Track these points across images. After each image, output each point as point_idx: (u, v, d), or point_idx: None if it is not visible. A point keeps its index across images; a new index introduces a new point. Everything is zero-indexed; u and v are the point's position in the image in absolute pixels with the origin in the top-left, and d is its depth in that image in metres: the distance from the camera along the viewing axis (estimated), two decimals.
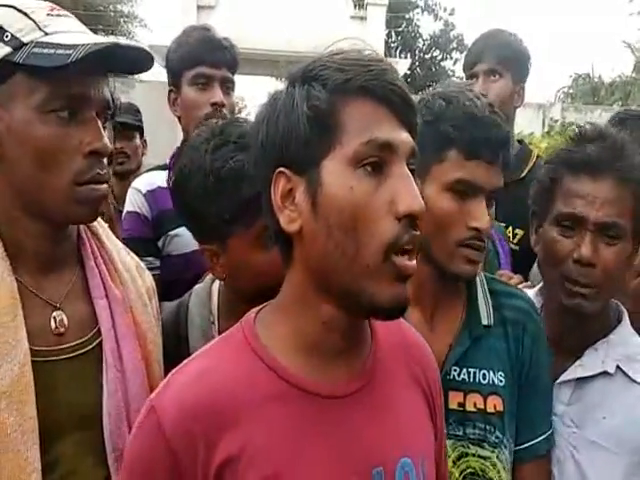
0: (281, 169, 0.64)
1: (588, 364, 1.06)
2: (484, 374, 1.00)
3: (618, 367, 1.05)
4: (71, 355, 0.83)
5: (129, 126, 2.41)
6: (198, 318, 1.08)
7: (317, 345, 0.67)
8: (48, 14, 0.81)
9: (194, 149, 1.00)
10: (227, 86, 1.57)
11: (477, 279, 1.05)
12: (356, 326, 0.69)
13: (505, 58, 1.73)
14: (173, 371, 0.68)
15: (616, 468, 1.02)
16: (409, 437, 0.72)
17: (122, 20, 15.17)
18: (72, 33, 0.80)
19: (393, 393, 0.72)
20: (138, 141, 2.47)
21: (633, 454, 1.02)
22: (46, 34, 0.78)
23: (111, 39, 0.81)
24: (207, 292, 1.11)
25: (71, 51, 0.75)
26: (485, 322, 1.01)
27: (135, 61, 0.85)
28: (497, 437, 0.98)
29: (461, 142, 0.93)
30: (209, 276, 1.14)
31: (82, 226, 0.92)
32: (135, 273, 0.97)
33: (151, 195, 1.55)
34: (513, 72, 1.74)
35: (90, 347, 0.85)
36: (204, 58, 1.53)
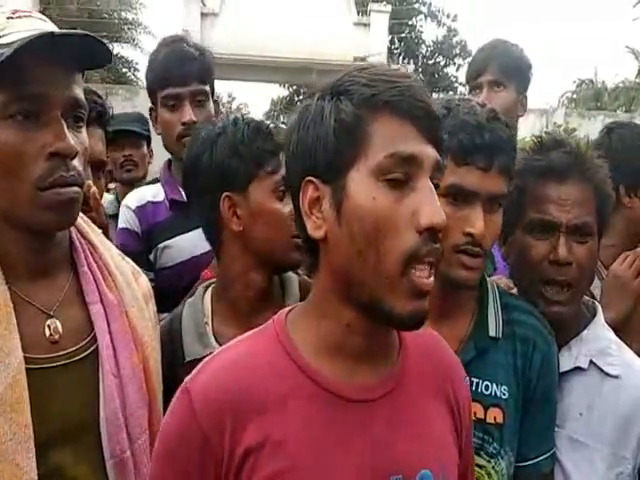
0: (310, 178, 0.67)
1: (562, 362, 1.08)
2: (487, 385, 1.00)
3: (592, 362, 1.07)
4: (67, 362, 0.82)
5: (138, 135, 2.46)
6: (192, 324, 1.11)
7: (341, 347, 0.69)
8: (8, 17, 0.79)
9: (208, 131, 1.12)
10: (198, 100, 1.56)
11: (489, 290, 1.05)
12: (380, 332, 0.70)
13: (508, 69, 1.75)
14: (207, 358, 0.71)
15: (597, 463, 1.03)
16: (431, 449, 0.72)
17: (126, 27, 15.30)
18: (22, 32, 0.76)
19: (419, 403, 0.73)
20: (145, 150, 2.51)
21: (612, 447, 1.04)
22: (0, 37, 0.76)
23: (49, 30, 0.77)
24: (200, 300, 1.14)
25: (5, 50, 0.72)
26: (492, 334, 1.01)
27: (94, 53, 0.82)
28: (494, 448, 0.98)
29: (452, 148, 0.94)
30: (201, 286, 1.18)
31: (74, 232, 0.91)
32: (130, 277, 0.96)
33: (140, 210, 1.58)
34: (516, 82, 1.76)
35: (86, 353, 0.84)
36: (171, 77, 1.53)
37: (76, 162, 0.81)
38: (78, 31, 0.78)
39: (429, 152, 0.65)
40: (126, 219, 1.59)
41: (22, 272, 0.83)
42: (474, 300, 1.04)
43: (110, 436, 0.82)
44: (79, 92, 0.82)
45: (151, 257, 1.55)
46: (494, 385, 0.99)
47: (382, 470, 0.67)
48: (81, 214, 0.95)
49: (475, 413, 0.98)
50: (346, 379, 0.68)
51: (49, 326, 0.82)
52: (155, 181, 1.67)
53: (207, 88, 1.59)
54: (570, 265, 1.04)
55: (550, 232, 1.05)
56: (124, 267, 0.97)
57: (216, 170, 1.08)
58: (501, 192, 0.96)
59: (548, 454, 1.03)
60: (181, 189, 1.55)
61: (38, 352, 0.80)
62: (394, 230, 0.63)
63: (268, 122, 1.15)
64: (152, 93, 1.60)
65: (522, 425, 1.01)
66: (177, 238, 1.53)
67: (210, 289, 1.16)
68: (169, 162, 1.66)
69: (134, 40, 15.58)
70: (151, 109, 1.63)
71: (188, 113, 1.53)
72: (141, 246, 1.55)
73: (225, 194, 1.07)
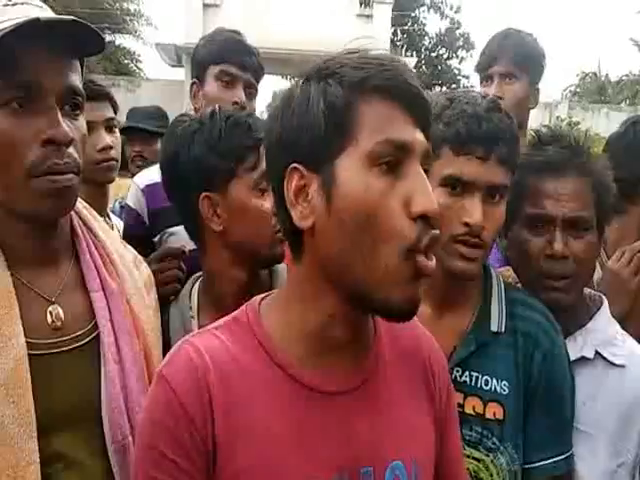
0: (295, 165, 0.64)
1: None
2: (486, 380, 0.98)
3: (597, 352, 1.07)
4: (68, 348, 0.83)
5: (148, 132, 2.54)
6: (179, 314, 1.11)
7: (319, 336, 0.67)
8: (5, 5, 0.79)
9: (184, 127, 1.09)
10: (250, 91, 1.58)
11: (494, 284, 1.04)
12: (362, 322, 0.69)
13: (521, 61, 1.71)
14: (180, 342, 0.69)
15: (600, 453, 1.03)
16: (404, 440, 0.71)
17: (128, 18, 15.23)
18: (15, 20, 0.75)
19: (393, 393, 0.72)
20: (157, 146, 2.53)
21: (614, 436, 1.03)
22: None
23: (34, 16, 0.76)
24: (187, 294, 1.14)
25: None
26: (494, 329, 1.00)
27: (87, 40, 0.81)
28: (493, 443, 0.97)
29: (450, 138, 0.94)
30: (191, 278, 1.18)
31: (76, 220, 0.91)
32: (131, 265, 0.96)
33: (149, 190, 1.55)
34: (529, 74, 1.72)
35: (87, 340, 0.85)
36: (232, 57, 1.55)
37: (71, 150, 0.80)
38: (66, 17, 0.77)
39: (419, 137, 0.64)
40: (133, 197, 1.57)
41: (24, 259, 0.83)
42: (478, 292, 1.03)
43: (111, 422, 0.83)
44: (75, 79, 0.82)
45: (155, 240, 1.53)
46: (494, 380, 0.98)
47: (352, 462, 0.66)
48: (82, 201, 0.96)
49: (474, 407, 0.97)
50: (320, 369, 0.67)
51: (51, 312, 0.83)
52: None
53: (257, 87, 1.61)
54: (567, 259, 1.04)
55: (546, 227, 1.05)
56: (126, 255, 0.97)
57: (194, 169, 1.04)
58: (500, 182, 0.95)
59: (559, 458, 0.99)
60: None
61: (40, 338, 0.81)
62: (388, 218, 0.61)
63: (245, 115, 1.11)
64: (203, 66, 1.58)
65: (526, 425, 0.98)
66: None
67: (198, 282, 1.15)
68: None
69: (136, 32, 15.52)
70: (193, 83, 1.62)
71: (241, 95, 1.53)
72: (142, 228, 1.53)
73: (204, 194, 1.04)
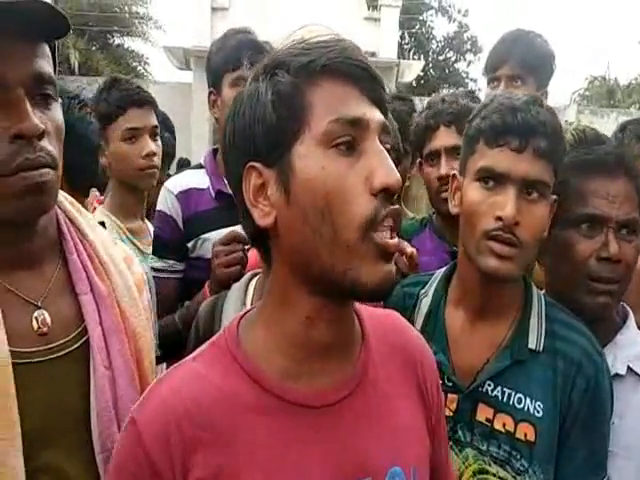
0: (251, 163, 0.63)
1: None
2: (520, 398, 0.94)
3: (629, 368, 1.04)
4: (56, 355, 0.79)
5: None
6: (232, 308, 1.10)
7: (300, 345, 0.65)
8: None
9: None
10: None
11: (534, 298, 0.99)
12: (341, 319, 0.66)
13: (529, 63, 1.69)
14: (156, 380, 0.67)
15: (629, 474, 0.99)
16: (400, 444, 0.69)
17: (137, 21, 15.30)
18: None
19: (385, 398, 0.69)
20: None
21: None
22: None
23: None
24: (244, 287, 1.13)
25: None
26: (532, 346, 0.95)
27: (51, 21, 0.75)
28: (522, 465, 0.92)
29: (485, 131, 0.93)
30: (249, 273, 1.17)
31: (62, 218, 0.87)
32: (122, 265, 0.92)
33: (184, 197, 1.55)
34: (536, 77, 1.70)
35: (76, 346, 0.82)
36: (245, 60, 1.53)
37: (44, 142, 0.75)
38: None
39: (374, 113, 0.62)
40: (166, 203, 1.56)
41: (6, 263, 0.79)
42: (516, 306, 0.99)
43: (101, 430, 0.80)
44: (44, 65, 0.76)
45: (189, 245, 1.54)
46: (527, 399, 0.93)
47: (350, 473, 0.63)
48: (69, 197, 0.92)
49: (504, 425, 0.93)
50: (307, 382, 0.64)
51: (37, 318, 0.79)
52: (199, 167, 1.63)
53: None
54: (620, 263, 1.00)
55: (598, 228, 1.01)
56: (115, 253, 0.93)
57: None
58: (537, 177, 0.91)
59: None
60: (226, 180, 1.55)
61: (25, 345, 0.77)
62: (348, 198, 0.59)
63: None
64: (218, 74, 1.57)
65: (561, 452, 0.93)
66: (219, 231, 1.49)
67: (255, 279, 1.14)
68: (214, 151, 1.63)
69: (144, 34, 15.58)
70: (211, 92, 1.61)
71: None
72: (177, 234, 1.54)
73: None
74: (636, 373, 1.03)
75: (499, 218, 0.90)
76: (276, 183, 0.62)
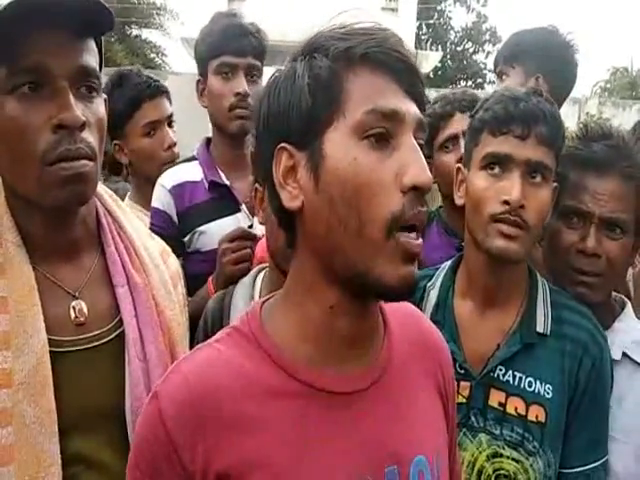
0: (283, 144, 0.62)
1: None
2: (530, 382, 0.97)
3: (624, 354, 1.06)
4: (92, 345, 0.80)
5: None
6: (242, 302, 1.10)
7: (325, 333, 0.64)
8: None
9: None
10: (252, 74, 1.54)
11: (539, 285, 1.03)
12: (365, 312, 0.65)
13: (511, 56, 1.73)
14: (181, 358, 0.66)
15: (627, 457, 1.01)
16: (423, 433, 0.69)
17: (155, 13, 15.36)
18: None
19: (407, 388, 0.69)
20: None
21: None
22: None
23: None
24: (252, 281, 1.14)
25: None
26: (540, 329, 0.99)
27: (96, 16, 0.76)
28: (534, 447, 0.96)
29: (489, 121, 0.96)
30: (256, 267, 1.17)
31: (102, 211, 0.88)
32: (158, 258, 0.93)
33: (177, 191, 1.53)
34: (522, 66, 1.71)
35: (111, 337, 0.82)
36: (228, 47, 1.51)
37: (86, 134, 0.76)
38: None
39: (410, 107, 0.60)
40: (160, 199, 1.54)
41: (47, 252, 0.81)
42: (522, 293, 1.02)
43: (135, 421, 0.79)
44: (89, 59, 0.78)
45: (185, 239, 1.52)
46: (538, 382, 0.97)
47: (375, 463, 0.63)
48: (109, 191, 0.94)
49: (516, 408, 0.97)
50: (331, 370, 0.63)
51: (74, 308, 0.80)
52: (192, 159, 1.60)
53: (260, 66, 1.56)
54: (598, 257, 1.03)
55: (582, 221, 1.05)
56: (152, 247, 0.93)
57: None
58: (540, 159, 0.94)
59: (598, 463, 0.99)
60: (220, 171, 1.54)
61: (63, 334, 0.78)
62: (377, 192, 0.58)
63: None
64: (203, 62, 1.55)
65: (568, 430, 0.98)
66: (214, 222, 1.50)
67: (263, 273, 1.15)
68: (207, 141, 1.62)
69: (162, 26, 15.65)
70: (198, 81, 1.59)
71: (243, 84, 1.50)
72: (172, 229, 1.52)
73: None
74: (632, 359, 1.05)
75: (505, 202, 0.93)
76: (306, 167, 0.61)
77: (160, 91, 1.67)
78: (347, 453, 0.62)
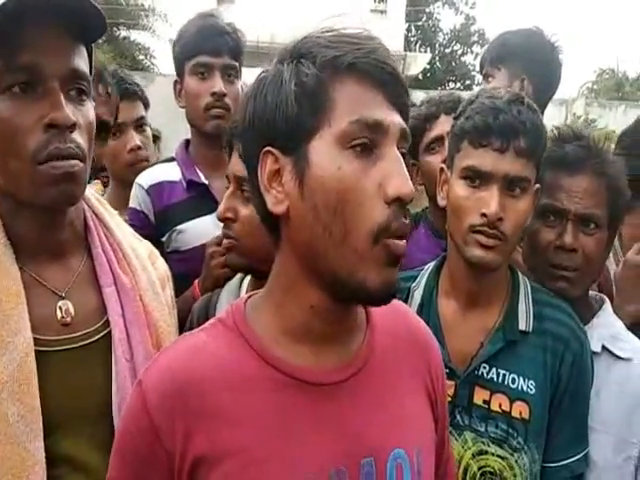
0: (268, 148, 0.62)
1: None
2: (513, 378, 0.99)
3: (603, 347, 1.09)
4: (79, 345, 0.81)
5: None
6: (226, 303, 1.11)
7: (305, 330, 0.65)
8: None
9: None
10: (229, 74, 1.53)
11: (520, 284, 1.05)
12: (346, 312, 0.67)
13: (495, 58, 1.75)
14: (165, 346, 0.68)
15: (606, 448, 1.04)
16: (404, 427, 0.69)
17: (143, 14, 15.28)
18: None
19: (389, 382, 0.70)
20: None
21: (619, 431, 1.04)
22: None
23: None
24: (238, 283, 1.15)
25: None
26: (522, 327, 1.00)
27: (89, 21, 0.78)
28: (519, 443, 0.98)
29: (469, 131, 0.98)
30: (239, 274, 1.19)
31: (89, 213, 0.89)
32: (146, 260, 0.93)
33: (155, 190, 1.53)
34: (508, 68, 1.73)
35: (98, 337, 0.83)
36: (203, 46, 1.50)
37: (75, 135, 0.77)
38: None
39: (395, 118, 0.61)
40: (137, 198, 1.54)
41: (34, 253, 0.81)
42: (504, 292, 1.04)
43: None
44: (80, 63, 0.79)
45: (164, 239, 1.52)
46: (521, 379, 0.99)
47: (352, 454, 0.64)
48: (96, 194, 0.94)
49: (500, 405, 0.98)
50: (310, 363, 0.65)
51: (60, 308, 0.81)
52: (171, 160, 1.61)
53: (238, 65, 1.56)
54: (576, 252, 1.07)
55: (558, 219, 1.09)
56: (140, 249, 0.94)
57: None
58: (519, 174, 0.96)
59: (580, 455, 1.01)
60: (199, 170, 1.54)
61: (49, 334, 0.79)
62: (361, 201, 0.59)
63: None
64: (180, 63, 1.55)
65: (551, 426, 0.99)
66: (193, 222, 1.50)
67: (249, 276, 1.15)
68: (187, 142, 1.62)
69: (150, 27, 15.57)
70: (176, 82, 1.59)
71: (219, 83, 1.49)
72: (149, 229, 1.51)
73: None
74: (610, 352, 1.09)
75: (484, 215, 0.95)
76: (292, 172, 0.61)
77: (129, 93, 1.65)
78: (324, 444, 0.63)
